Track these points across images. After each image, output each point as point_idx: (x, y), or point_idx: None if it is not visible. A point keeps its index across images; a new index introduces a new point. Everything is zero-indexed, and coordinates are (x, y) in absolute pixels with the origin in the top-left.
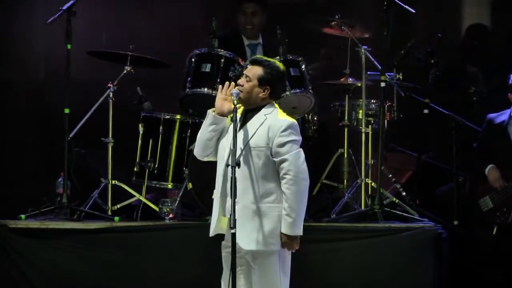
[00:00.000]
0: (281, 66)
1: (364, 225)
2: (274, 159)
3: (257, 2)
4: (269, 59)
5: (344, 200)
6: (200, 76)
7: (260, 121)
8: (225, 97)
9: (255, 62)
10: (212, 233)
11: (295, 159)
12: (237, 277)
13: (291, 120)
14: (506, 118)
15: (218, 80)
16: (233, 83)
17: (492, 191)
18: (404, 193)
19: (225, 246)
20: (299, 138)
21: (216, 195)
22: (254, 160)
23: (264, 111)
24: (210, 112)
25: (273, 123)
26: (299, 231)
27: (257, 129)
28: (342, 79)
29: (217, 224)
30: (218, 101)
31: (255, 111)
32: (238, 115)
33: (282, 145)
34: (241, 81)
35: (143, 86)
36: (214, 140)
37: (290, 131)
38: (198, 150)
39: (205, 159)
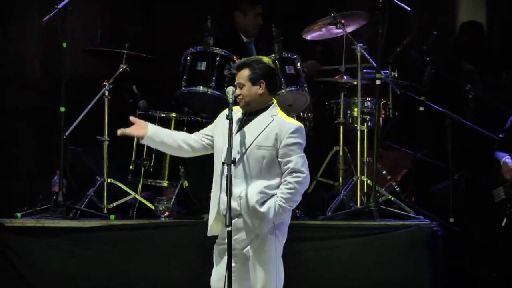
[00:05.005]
0: (264, 59)
1: (359, 223)
2: (280, 159)
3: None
4: (250, 58)
5: (339, 198)
6: (196, 74)
7: (267, 121)
8: (131, 129)
9: (239, 67)
10: (209, 233)
11: (300, 162)
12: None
13: (299, 123)
14: None
15: (214, 78)
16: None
17: (506, 182)
18: (399, 191)
19: (219, 243)
20: (304, 142)
21: (215, 194)
22: (259, 158)
23: (270, 111)
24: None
25: (282, 124)
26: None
27: (264, 128)
28: (337, 77)
29: (215, 224)
30: (132, 133)
31: (259, 112)
32: (239, 116)
33: (290, 146)
34: (238, 91)
35: (138, 84)
36: (175, 146)
37: (298, 134)
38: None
39: (194, 155)
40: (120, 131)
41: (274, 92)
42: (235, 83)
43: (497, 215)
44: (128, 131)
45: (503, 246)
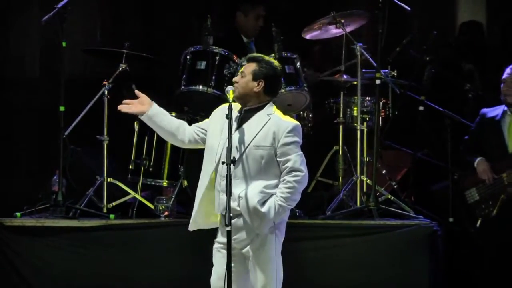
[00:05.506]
0: (276, 63)
1: (359, 222)
2: (279, 158)
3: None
4: (265, 56)
5: (339, 197)
6: (195, 74)
7: (264, 121)
8: (132, 106)
9: (250, 60)
10: (193, 227)
11: (298, 160)
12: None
13: (295, 122)
14: (500, 113)
15: (213, 77)
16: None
17: (479, 183)
18: (399, 190)
19: (217, 243)
20: (301, 140)
21: (203, 191)
22: (257, 158)
23: (266, 110)
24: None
25: (279, 123)
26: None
27: (261, 128)
28: (337, 76)
29: (205, 219)
30: (131, 111)
31: (255, 110)
32: (235, 114)
33: (287, 144)
34: (237, 78)
35: (138, 83)
36: (170, 131)
37: (295, 133)
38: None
39: (184, 147)
40: (120, 107)
41: (271, 94)
42: (240, 71)
43: (471, 216)
44: (127, 109)
45: (489, 247)
